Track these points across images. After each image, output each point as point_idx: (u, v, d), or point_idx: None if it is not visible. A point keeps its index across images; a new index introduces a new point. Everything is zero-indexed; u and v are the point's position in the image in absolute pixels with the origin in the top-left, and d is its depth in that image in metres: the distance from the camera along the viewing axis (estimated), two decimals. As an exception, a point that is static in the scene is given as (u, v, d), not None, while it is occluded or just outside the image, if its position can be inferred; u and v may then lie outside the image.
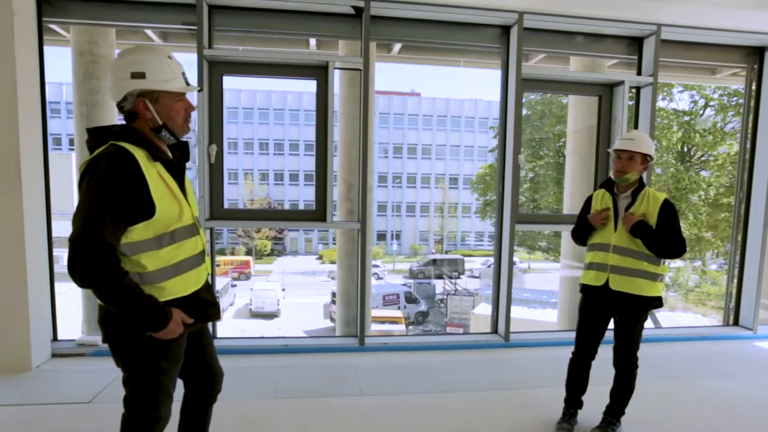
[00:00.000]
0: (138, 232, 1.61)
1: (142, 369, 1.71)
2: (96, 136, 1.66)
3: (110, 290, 1.54)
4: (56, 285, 3.93)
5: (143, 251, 1.63)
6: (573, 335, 2.94)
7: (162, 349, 1.70)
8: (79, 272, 1.50)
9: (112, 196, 1.53)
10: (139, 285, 1.60)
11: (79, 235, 1.49)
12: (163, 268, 1.68)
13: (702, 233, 15.91)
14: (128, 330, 1.66)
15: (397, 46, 6.25)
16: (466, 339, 4.58)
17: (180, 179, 1.78)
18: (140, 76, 1.65)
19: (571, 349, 2.93)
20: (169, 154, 1.78)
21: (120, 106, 1.71)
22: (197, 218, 1.87)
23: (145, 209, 1.61)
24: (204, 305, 1.85)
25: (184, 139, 1.84)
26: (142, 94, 1.67)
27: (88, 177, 1.55)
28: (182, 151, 1.85)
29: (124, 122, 1.74)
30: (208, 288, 1.92)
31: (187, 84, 1.76)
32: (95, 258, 1.49)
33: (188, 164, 1.89)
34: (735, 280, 5.05)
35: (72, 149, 33.61)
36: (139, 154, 1.61)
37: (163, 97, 1.70)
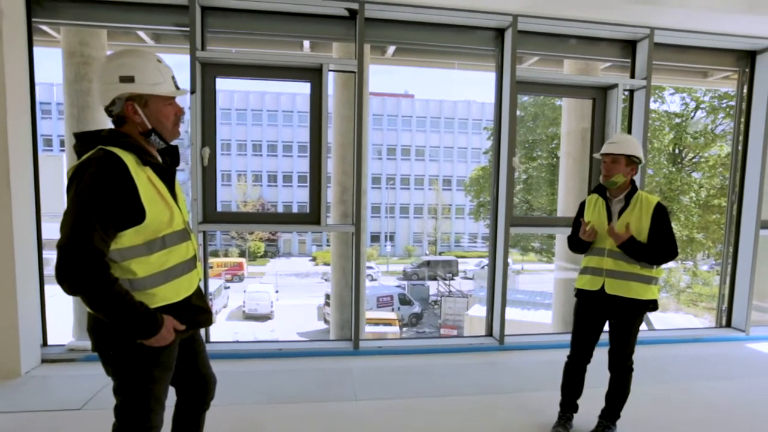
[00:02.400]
0: (128, 238, 1.58)
1: (133, 377, 1.67)
2: (84, 140, 1.63)
3: (100, 298, 1.50)
4: (45, 288, 3.87)
5: (133, 257, 1.60)
6: (568, 338, 2.93)
7: (153, 356, 1.67)
8: (67, 279, 1.46)
9: (101, 201, 1.50)
10: (129, 292, 1.57)
11: (68, 242, 1.46)
12: (153, 274, 1.65)
13: (693, 234, 16.04)
14: (118, 338, 1.63)
15: (391, 49, 6.24)
16: (460, 342, 4.57)
17: (170, 184, 1.75)
18: (129, 80, 1.62)
19: (566, 351, 2.92)
20: (159, 159, 1.75)
21: (108, 111, 1.67)
22: (188, 223, 1.84)
23: (135, 214, 1.58)
24: (196, 311, 1.82)
25: (173, 143, 1.81)
26: (131, 98, 1.64)
27: (76, 182, 1.51)
28: (172, 155, 1.82)
29: (112, 126, 1.71)
30: (200, 294, 1.89)
31: (177, 87, 1.74)
32: (84, 265, 1.46)
33: (180, 166, 1.86)
34: (727, 283, 5.08)
35: (63, 150, 33.30)
36: (129, 159, 1.58)
37: (152, 101, 1.67)
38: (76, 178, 1.52)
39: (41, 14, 3.84)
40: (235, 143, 41.04)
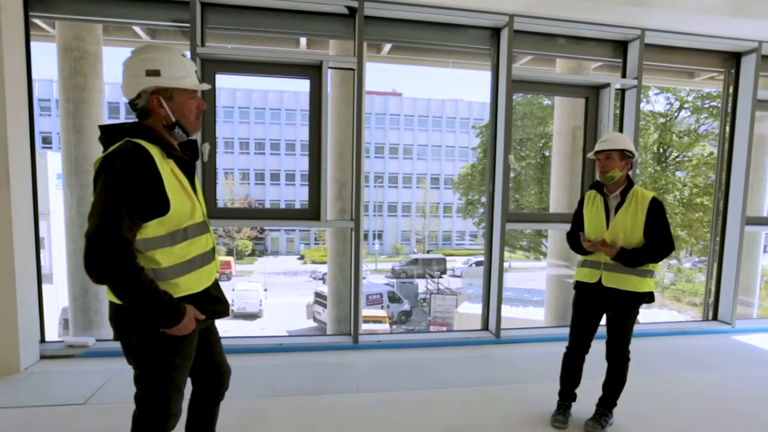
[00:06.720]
0: (152, 229, 1.62)
1: (154, 366, 1.71)
2: (109, 133, 1.66)
3: (127, 286, 1.53)
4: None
5: (157, 248, 1.64)
6: (563, 331, 3.02)
7: (175, 345, 1.71)
8: (96, 268, 1.49)
9: (129, 192, 1.53)
10: (154, 281, 1.60)
11: (96, 231, 1.48)
12: (176, 264, 1.69)
13: (677, 232, 16.41)
14: (141, 327, 1.66)
15: (387, 47, 6.29)
16: (457, 336, 4.64)
17: (191, 177, 1.78)
18: (155, 73, 1.66)
19: (562, 344, 3.01)
20: (180, 152, 1.78)
21: (133, 104, 1.71)
22: (207, 216, 1.87)
23: (160, 205, 1.61)
24: (214, 302, 1.86)
25: (192, 137, 1.85)
26: (156, 91, 1.68)
27: (104, 173, 1.54)
28: (192, 149, 1.86)
29: (111, 120, 1.74)
30: (217, 285, 1.92)
31: (200, 82, 1.78)
32: (112, 254, 1.49)
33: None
34: (714, 277, 5.24)
35: (47, 147, 32.64)
36: (154, 151, 1.62)
37: (176, 95, 1.71)
38: (104, 170, 1.55)
39: (38, 8, 3.82)
40: (222, 141, 40.68)
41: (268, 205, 39.73)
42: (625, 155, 2.77)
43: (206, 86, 1.79)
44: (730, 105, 5.10)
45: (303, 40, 6.07)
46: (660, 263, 2.89)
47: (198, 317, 1.74)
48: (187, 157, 1.78)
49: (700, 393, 3.47)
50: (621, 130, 4.76)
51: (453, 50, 4.81)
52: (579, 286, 2.92)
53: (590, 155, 2.95)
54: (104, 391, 3.23)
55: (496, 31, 4.41)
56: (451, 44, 4.51)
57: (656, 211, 2.71)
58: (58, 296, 10.60)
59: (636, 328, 2.88)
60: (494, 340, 4.44)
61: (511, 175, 4.53)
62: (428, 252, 39.82)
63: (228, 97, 40.82)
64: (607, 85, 4.62)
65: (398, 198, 43.86)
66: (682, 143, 16.87)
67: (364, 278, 28.07)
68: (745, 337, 4.82)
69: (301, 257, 37.32)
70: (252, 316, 20.83)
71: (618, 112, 4.87)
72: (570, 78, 5.05)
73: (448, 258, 33.71)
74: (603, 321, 2.91)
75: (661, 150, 17.53)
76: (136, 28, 5.00)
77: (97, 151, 1.83)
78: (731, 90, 5.09)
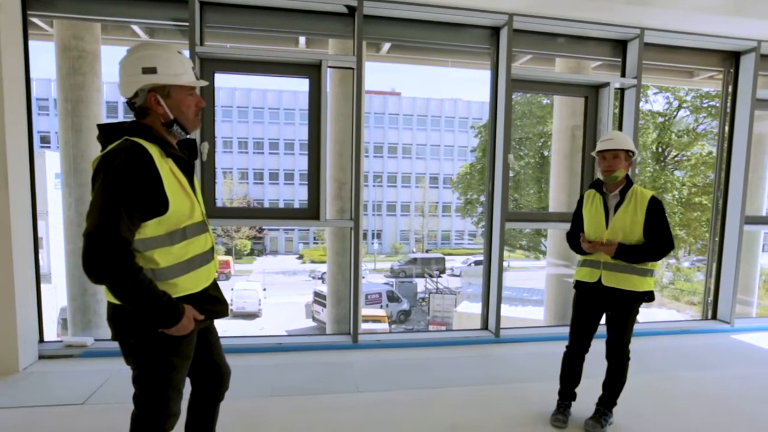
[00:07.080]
0: (151, 228, 1.61)
1: (153, 366, 1.70)
2: (108, 132, 1.65)
3: (126, 286, 1.52)
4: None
5: (156, 247, 1.63)
6: (562, 330, 3.01)
7: (173, 345, 1.70)
8: (95, 268, 1.48)
9: (128, 191, 1.52)
10: (153, 281, 1.59)
11: (95, 230, 1.47)
12: (174, 264, 1.68)
13: (675, 232, 16.44)
14: (139, 327, 1.65)
15: (386, 46, 6.29)
16: (457, 335, 4.64)
17: (190, 176, 1.77)
18: (151, 71, 1.65)
19: (561, 344, 3.01)
20: (179, 151, 1.77)
21: (131, 103, 1.70)
22: (206, 215, 1.87)
23: (159, 205, 1.60)
24: (212, 302, 1.85)
25: (191, 136, 1.84)
26: (154, 89, 1.67)
27: (103, 172, 1.53)
28: (190, 148, 1.85)
29: (110, 120, 1.73)
30: (216, 285, 1.91)
31: (197, 78, 1.77)
32: (111, 253, 1.48)
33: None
34: (713, 276, 5.24)
35: (46, 146, 32.58)
36: (153, 150, 1.61)
37: (174, 92, 1.70)
38: (102, 168, 1.54)
39: (37, 7, 3.81)
40: (221, 140, 40.62)
41: (266, 205, 39.71)
42: (628, 155, 2.79)
43: (204, 83, 1.78)
44: (729, 104, 5.10)
45: (302, 39, 6.06)
46: (659, 262, 2.89)
47: (197, 317, 1.73)
48: (186, 156, 1.77)
49: (700, 392, 3.47)
50: (620, 129, 4.76)
51: (452, 49, 4.79)
52: (579, 285, 2.92)
53: (594, 153, 2.93)
54: (103, 391, 3.22)
55: (495, 31, 4.40)
56: (451, 43, 4.50)
57: (655, 209, 2.71)
58: (56, 296, 10.60)
59: (635, 327, 2.88)
60: (494, 339, 4.44)
61: (511, 174, 4.52)
62: (427, 251, 39.81)
63: (227, 96, 40.76)
64: (607, 84, 4.61)
65: (397, 197, 43.84)
66: (681, 142, 16.90)
67: (363, 278, 28.13)
68: (745, 336, 4.83)
69: (300, 257, 37.30)
70: (251, 316, 20.82)
71: (617, 111, 4.87)
72: (569, 77, 5.05)
73: (447, 257, 33.72)
74: (603, 320, 2.91)
75: (659, 149, 17.55)
76: (135, 27, 4.99)
77: (95, 150, 1.83)
78: (730, 89, 5.09)
